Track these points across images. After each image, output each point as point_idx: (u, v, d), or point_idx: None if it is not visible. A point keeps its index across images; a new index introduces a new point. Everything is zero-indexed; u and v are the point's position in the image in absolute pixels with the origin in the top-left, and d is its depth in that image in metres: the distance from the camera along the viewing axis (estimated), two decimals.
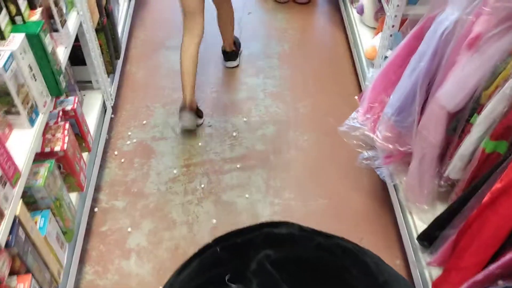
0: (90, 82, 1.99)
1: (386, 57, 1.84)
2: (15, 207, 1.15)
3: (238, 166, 1.99)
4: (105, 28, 1.95)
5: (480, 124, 1.25)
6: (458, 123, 1.40)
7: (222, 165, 2.00)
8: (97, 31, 1.88)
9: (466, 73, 1.27)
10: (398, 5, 1.73)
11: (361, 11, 2.34)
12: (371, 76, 1.82)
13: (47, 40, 1.32)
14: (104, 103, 2.01)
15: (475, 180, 1.33)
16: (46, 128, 1.52)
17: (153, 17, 2.79)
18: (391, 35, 1.81)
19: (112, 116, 2.13)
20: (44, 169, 1.38)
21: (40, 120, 1.35)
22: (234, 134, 2.12)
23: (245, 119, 2.19)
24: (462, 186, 1.37)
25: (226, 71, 2.44)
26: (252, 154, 2.04)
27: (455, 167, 1.36)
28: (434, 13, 1.48)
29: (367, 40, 2.26)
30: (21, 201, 1.18)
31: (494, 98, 1.20)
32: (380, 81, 1.69)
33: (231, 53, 2.44)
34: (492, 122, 1.23)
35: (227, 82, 2.39)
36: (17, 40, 1.22)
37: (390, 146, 1.51)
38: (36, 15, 1.31)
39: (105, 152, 2.00)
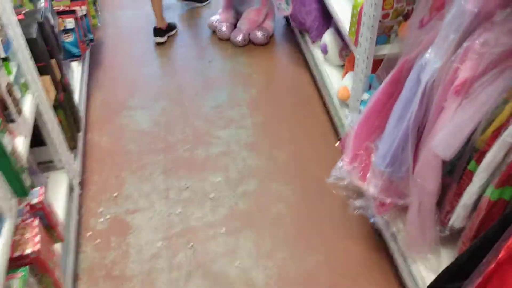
0: (52, 161, 1.83)
1: (362, 100, 1.80)
2: None
3: (223, 230, 1.87)
4: (63, 103, 1.81)
5: (481, 172, 1.20)
6: (452, 167, 1.35)
7: (206, 231, 1.87)
8: (55, 108, 1.75)
9: (459, 122, 1.22)
10: (367, 48, 1.69)
11: (324, 50, 2.31)
12: (350, 121, 1.77)
13: (6, 139, 1.18)
14: (70, 182, 1.86)
15: (482, 228, 1.28)
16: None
17: (109, 78, 2.66)
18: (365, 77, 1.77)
19: (80, 191, 1.97)
20: (18, 282, 1.22)
21: (7, 228, 1.20)
22: (214, 194, 2.01)
23: (223, 176, 2.08)
24: (470, 235, 1.31)
25: (195, 127, 2.33)
26: (236, 214, 1.93)
27: (459, 217, 1.30)
28: (410, 56, 1.45)
29: (336, 80, 2.22)
30: None
31: (495, 146, 1.15)
32: (362, 128, 1.63)
33: (159, 29, 2.88)
34: (494, 170, 1.18)
35: (199, 138, 2.28)
36: None
37: (388, 199, 1.45)
38: None
39: (77, 234, 1.84)
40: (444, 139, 1.25)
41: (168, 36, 2.93)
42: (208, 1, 3.23)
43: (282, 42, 2.90)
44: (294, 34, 2.78)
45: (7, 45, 1.46)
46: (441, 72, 1.26)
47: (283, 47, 2.86)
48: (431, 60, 1.28)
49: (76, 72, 2.35)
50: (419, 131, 1.39)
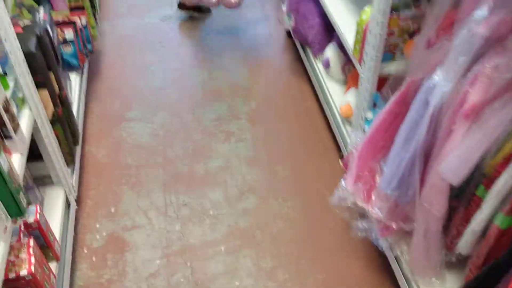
0: (49, 176, 1.79)
1: (366, 119, 1.77)
2: None
3: (222, 249, 1.83)
4: (61, 118, 1.77)
5: (491, 199, 1.17)
6: (460, 191, 1.32)
7: (205, 249, 1.83)
8: (52, 122, 1.71)
9: (468, 147, 1.19)
10: (372, 67, 1.66)
11: (327, 65, 2.28)
12: (354, 139, 1.74)
13: (1, 159, 1.14)
14: (66, 198, 1.81)
15: (491, 256, 1.25)
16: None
17: (107, 88, 2.61)
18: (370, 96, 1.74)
19: (76, 207, 1.93)
20: None
21: (1, 250, 1.16)
22: (213, 211, 1.97)
23: (222, 193, 2.04)
24: (478, 263, 1.28)
25: (194, 141, 2.30)
26: (236, 232, 1.89)
27: (466, 243, 1.27)
28: (417, 77, 1.42)
29: (339, 96, 2.19)
30: None
31: (505, 173, 1.12)
32: (367, 148, 1.60)
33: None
34: (504, 197, 1.15)
35: (197, 152, 2.24)
36: None
37: (394, 225, 1.41)
38: None
39: (73, 251, 1.79)
40: (453, 164, 1.22)
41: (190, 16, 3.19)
42: (209, 12, 3.20)
43: (283, 55, 2.88)
44: (296, 47, 2.75)
45: (4, 60, 1.42)
46: (451, 96, 1.23)
47: (284, 60, 2.83)
48: (440, 83, 1.26)
49: (74, 83, 2.31)
50: (426, 154, 1.36)
